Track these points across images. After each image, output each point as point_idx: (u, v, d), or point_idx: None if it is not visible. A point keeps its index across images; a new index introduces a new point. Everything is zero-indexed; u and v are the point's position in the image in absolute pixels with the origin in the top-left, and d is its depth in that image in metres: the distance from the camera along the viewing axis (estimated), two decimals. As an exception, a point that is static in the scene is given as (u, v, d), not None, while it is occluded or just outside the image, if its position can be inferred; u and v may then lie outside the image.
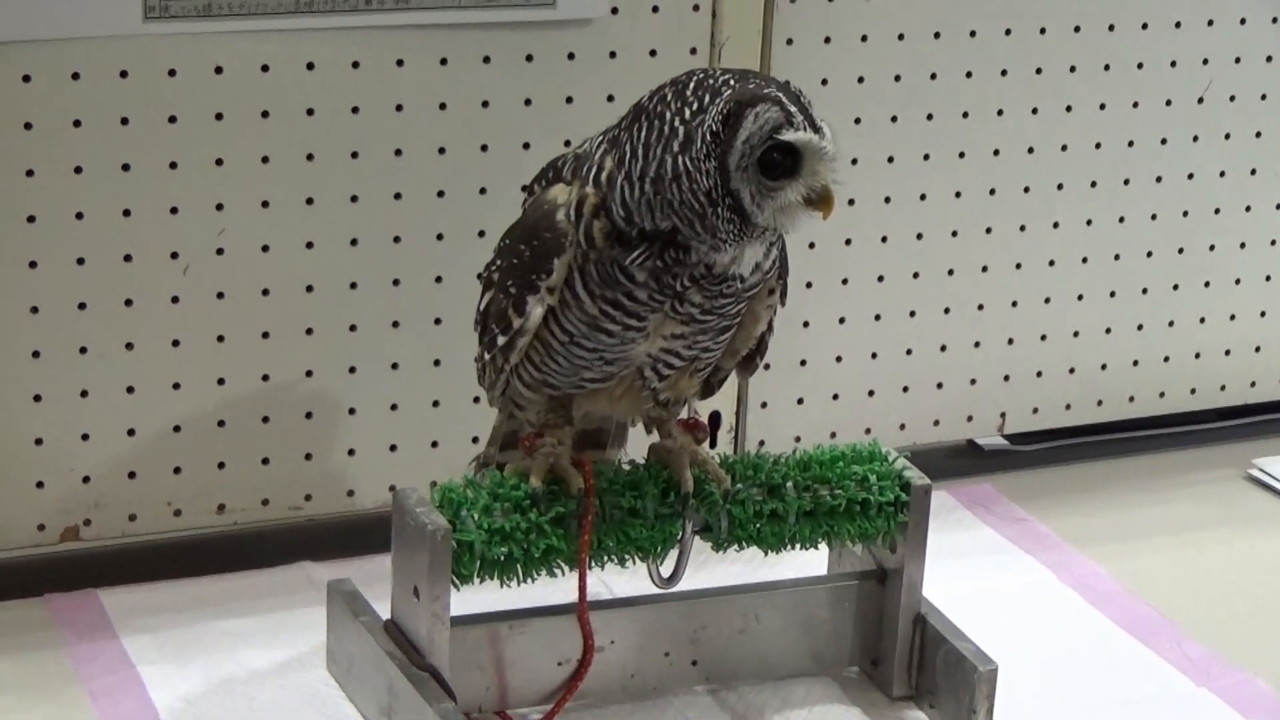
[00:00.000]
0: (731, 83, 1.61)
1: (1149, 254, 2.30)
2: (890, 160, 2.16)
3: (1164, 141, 2.26)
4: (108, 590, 1.96)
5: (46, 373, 1.92)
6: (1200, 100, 2.26)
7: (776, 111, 1.60)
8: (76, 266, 1.90)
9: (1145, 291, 2.31)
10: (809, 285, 2.16)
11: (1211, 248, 2.32)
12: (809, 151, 1.61)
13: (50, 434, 1.94)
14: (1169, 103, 2.25)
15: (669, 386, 1.74)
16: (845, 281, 2.19)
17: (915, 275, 2.21)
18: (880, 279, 2.20)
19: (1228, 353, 2.37)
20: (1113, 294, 2.30)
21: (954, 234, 2.21)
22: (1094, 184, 2.25)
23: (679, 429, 1.79)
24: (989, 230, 2.22)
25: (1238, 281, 2.34)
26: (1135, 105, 2.24)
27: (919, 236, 2.20)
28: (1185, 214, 2.30)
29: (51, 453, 1.94)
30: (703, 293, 1.65)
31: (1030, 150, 2.21)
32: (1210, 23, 2.23)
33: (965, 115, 2.17)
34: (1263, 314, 2.36)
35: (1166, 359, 2.34)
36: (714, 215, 1.60)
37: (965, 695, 1.81)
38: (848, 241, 2.17)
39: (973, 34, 2.15)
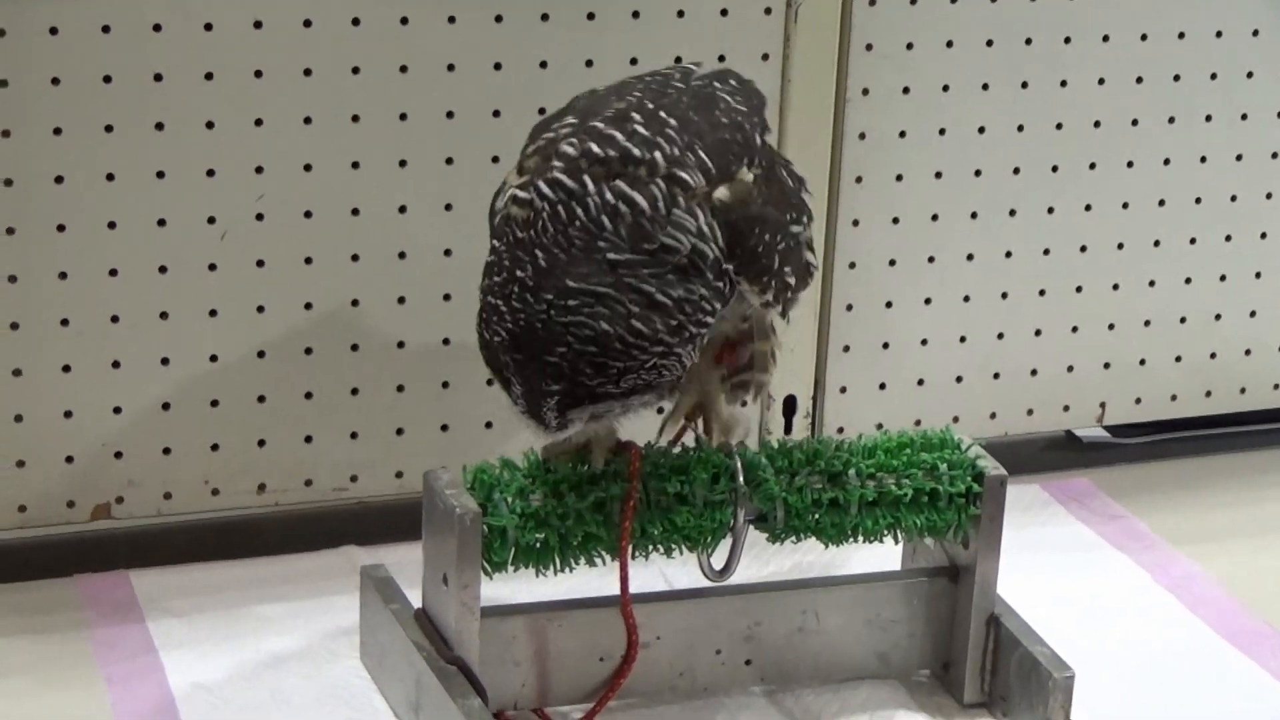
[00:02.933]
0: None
1: (1263, 235, 2.17)
2: (981, 130, 2.04)
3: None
4: (139, 571, 1.89)
5: (76, 342, 1.85)
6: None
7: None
8: (108, 231, 1.83)
9: (1259, 276, 2.18)
10: (892, 263, 2.05)
11: (1334, 229, 2.19)
12: None
13: (80, 407, 1.86)
14: (1286, 73, 2.13)
15: None
16: (932, 260, 2.07)
17: (1008, 254, 2.10)
18: (970, 258, 2.08)
19: (1349, 342, 2.23)
20: (1223, 278, 2.17)
21: (1050, 210, 2.09)
22: (1204, 159, 2.12)
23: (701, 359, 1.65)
24: (1088, 208, 2.10)
25: (1362, 266, 2.20)
26: (1249, 75, 2.11)
27: (1012, 214, 2.08)
28: (1305, 193, 2.16)
29: (82, 427, 1.87)
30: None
31: (1134, 122, 2.09)
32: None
33: (1064, 84, 2.05)
34: (1389, 301, 2.22)
35: (1282, 348, 2.22)
36: None
37: (1040, 704, 1.69)
38: (934, 217, 2.05)
39: (1072, -4, 2.03)
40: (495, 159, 1.89)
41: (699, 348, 1.53)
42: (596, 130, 1.55)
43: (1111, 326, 2.15)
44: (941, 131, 2.02)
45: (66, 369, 1.85)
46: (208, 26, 1.80)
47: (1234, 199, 2.14)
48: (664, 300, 1.49)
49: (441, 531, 1.63)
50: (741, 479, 1.67)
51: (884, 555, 1.82)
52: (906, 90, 2.01)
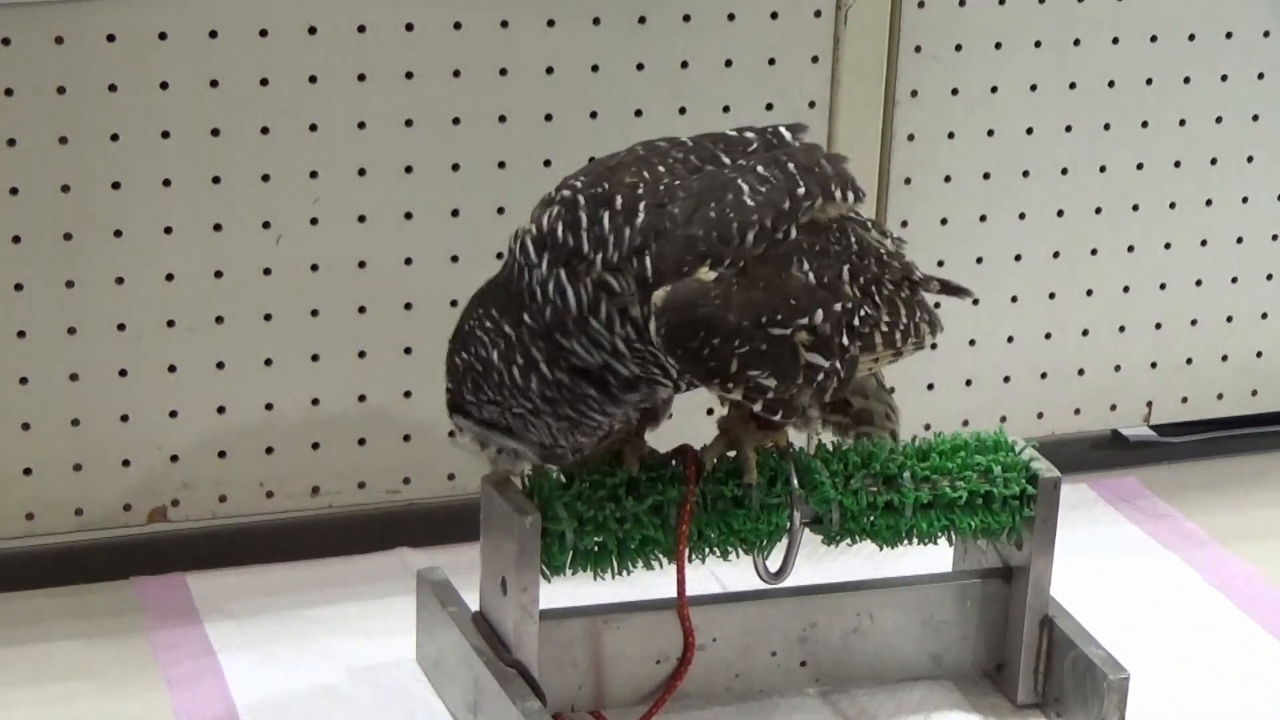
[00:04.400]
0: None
1: (1310, 234, 2.17)
2: (1029, 132, 2.04)
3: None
4: (195, 574, 1.90)
5: (133, 346, 1.86)
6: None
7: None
8: (164, 236, 1.84)
9: (1307, 274, 2.18)
10: (940, 264, 2.05)
11: (1381, 227, 2.18)
12: None
13: (136, 410, 1.87)
14: (1333, 72, 2.12)
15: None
16: (980, 260, 2.07)
17: (1055, 255, 2.09)
18: (1018, 258, 2.08)
19: (1395, 340, 2.22)
20: (1270, 276, 2.17)
21: (1098, 210, 2.09)
22: (1250, 159, 2.12)
23: (734, 409, 1.68)
24: (1135, 207, 2.10)
25: None
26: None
27: (1060, 214, 2.08)
28: (1350, 193, 2.16)
29: (138, 430, 1.87)
30: None
31: (1182, 122, 2.09)
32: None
33: (1111, 85, 2.05)
34: None
35: (1328, 347, 2.21)
36: None
37: (1095, 705, 1.69)
38: (982, 218, 2.06)
39: (1120, -3, 2.03)
40: (547, 162, 1.90)
41: (584, 433, 1.60)
42: (575, 204, 1.57)
43: (1158, 326, 2.15)
44: (990, 133, 2.03)
45: (123, 373, 1.86)
46: (263, 32, 1.80)
47: (1279, 198, 2.15)
48: (545, 374, 1.57)
49: (500, 535, 1.63)
50: (797, 482, 1.67)
51: (934, 556, 1.82)
52: (955, 92, 2.01)
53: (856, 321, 1.63)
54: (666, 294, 1.53)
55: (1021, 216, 2.07)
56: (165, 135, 1.81)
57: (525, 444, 1.61)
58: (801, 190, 1.60)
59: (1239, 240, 2.14)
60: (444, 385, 1.62)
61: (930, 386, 2.09)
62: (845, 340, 1.62)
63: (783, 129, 1.66)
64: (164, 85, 1.80)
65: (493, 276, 1.62)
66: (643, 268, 1.54)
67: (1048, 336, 2.12)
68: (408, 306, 1.91)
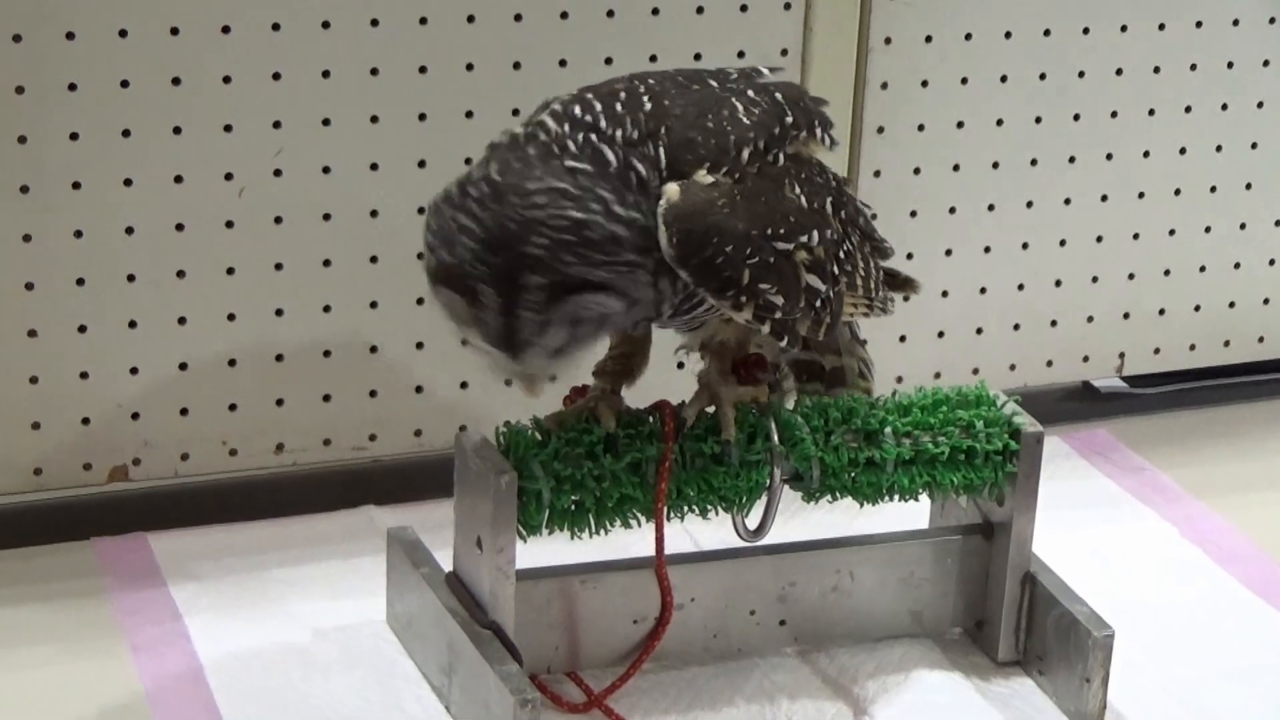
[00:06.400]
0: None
1: (1283, 183, 2.15)
2: (1004, 80, 2.02)
3: (1302, 62, 2.11)
4: (157, 534, 1.86)
5: (92, 302, 1.81)
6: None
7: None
8: (123, 188, 1.79)
9: (1278, 224, 2.16)
10: (913, 214, 2.03)
11: (1354, 176, 2.17)
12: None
13: (96, 367, 1.83)
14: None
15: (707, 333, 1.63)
16: (953, 210, 2.05)
17: (1029, 205, 2.07)
18: (990, 208, 2.06)
19: (1368, 289, 2.21)
20: (1243, 226, 2.15)
21: (1071, 160, 2.07)
22: (1225, 106, 2.10)
23: (715, 363, 1.64)
24: (1109, 156, 2.08)
25: (1381, 213, 2.18)
26: (1272, 21, 2.09)
27: (1033, 163, 2.06)
28: (1325, 141, 2.14)
29: (98, 387, 1.83)
30: None
31: (1156, 70, 2.06)
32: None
33: (1086, 32, 2.02)
34: None
35: (1300, 296, 2.20)
36: None
37: (1079, 662, 1.67)
38: (955, 168, 2.03)
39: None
40: (515, 111, 1.85)
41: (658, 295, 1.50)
42: (582, 98, 1.53)
43: (1131, 276, 2.13)
44: (964, 81, 2.00)
45: (82, 329, 1.81)
46: (224, -21, 1.77)
47: (1255, 146, 2.12)
48: (620, 213, 1.47)
49: (475, 495, 1.60)
50: (777, 438, 1.64)
51: (910, 513, 1.79)
52: (929, 39, 1.98)
53: (842, 255, 1.61)
54: (675, 204, 1.48)
55: (995, 166, 2.04)
56: (124, 85, 1.76)
57: (625, 302, 1.49)
58: (789, 119, 1.58)
59: (1212, 189, 2.12)
60: (489, 325, 1.48)
61: (902, 338, 2.07)
62: (835, 269, 1.60)
63: (762, 68, 1.63)
64: (123, 33, 1.75)
65: (452, 201, 1.49)
66: (657, 154, 1.50)
67: (1020, 287, 2.10)
68: (373, 259, 1.87)
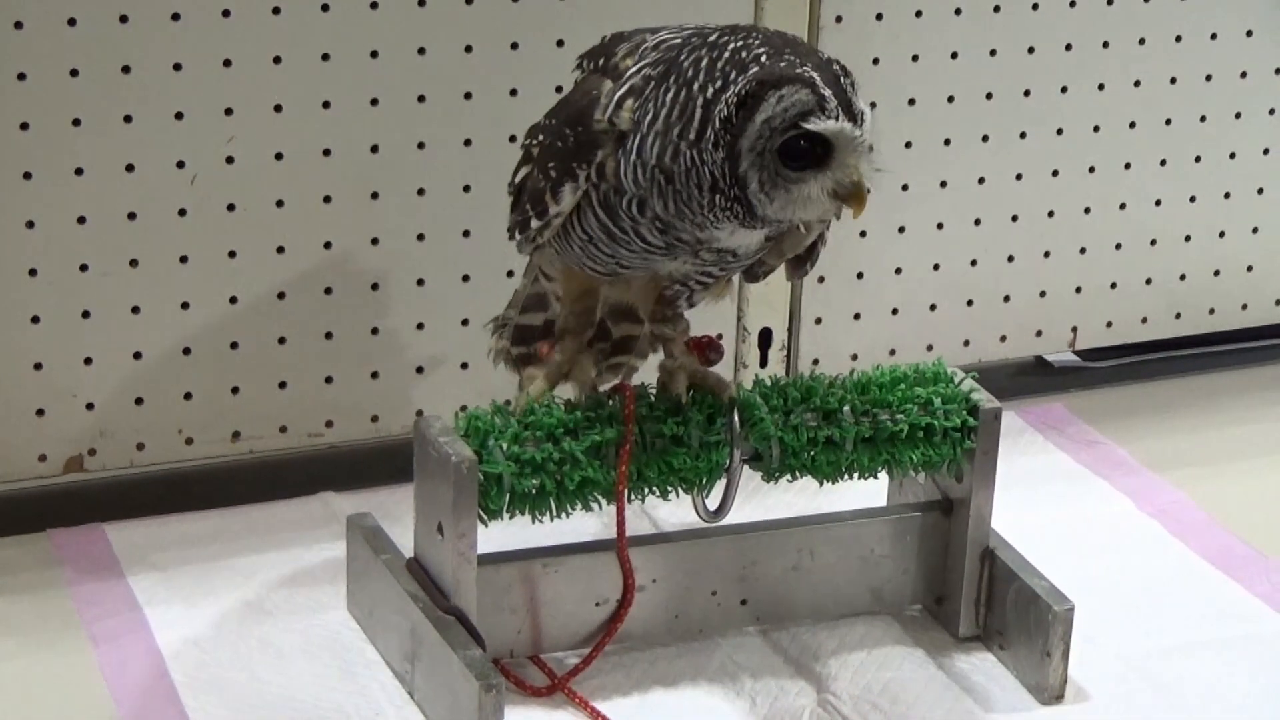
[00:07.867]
0: (763, 59, 1.48)
1: (1231, 155, 2.16)
2: (954, 57, 2.02)
3: (1249, 34, 2.11)
4: (114, 525, 1.85)
5: (45, 292, 1.80)
6: (1287, -10, 2.11)
7: (806, 95, 1.47)
8: (74, 177, 1.78)
9: (1227, 196, 2.17)
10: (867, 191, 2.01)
11: (1300, 148, 2.18)
12: (840, 142, 1.49)
13: (50, 358, 1.82)
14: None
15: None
16: (905, 188, 2.05)
17: (980, 180, 2.07)
18: (943, 185, 2.06)
19: (1317, 261, 2.22)
20: (1193, 199, 2.16)
21: (1022, 135, 2.07)
22: (1174, 80, 2.11)
23: (682, 349, 1.66)
24: (1060, 131, 2.08)
25: (1329, 185, 2.19)
26: (1220, -10, 2.10)
27: (985, 139, 2.06)
28: (1272, 112, 2.15)
29: (52, 378, 1.82)
30: (711, 254, 1.56)
31: (1105, 45, 2.07)
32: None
33: (1035, 8, 2.03)
34: (1356, 219, 2.22)
35: (1250, 268, 2.21)
36: (712, 204, 1.49)
37: (1039, 637, 1.68)
38: (908, 145, 2.03)
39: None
40: (468, 95, 1.86)
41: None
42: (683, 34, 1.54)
43: (1083, 250, 2.14)
44: (915, 59, 2.00)
45: (35, 320, 1.80)
46: (174, -35, 1.75)
47: (1203, 119, 2.13)
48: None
49: (435, 480, 1.59)
50: (736, 418, 1.65)
51: (868, 491, 1.79)
52: (880, 17, 1.98)
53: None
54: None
55: (947, 143, 2.04)
56: (74, 73, 1.75)
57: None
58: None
59: (1162, 163, 2.13)
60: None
61: (857, 316, 2.07)
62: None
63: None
64: (71, 22, 1.74)
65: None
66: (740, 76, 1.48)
67: (973, 263, 2.10)
68: (327, 245, 1.87)
